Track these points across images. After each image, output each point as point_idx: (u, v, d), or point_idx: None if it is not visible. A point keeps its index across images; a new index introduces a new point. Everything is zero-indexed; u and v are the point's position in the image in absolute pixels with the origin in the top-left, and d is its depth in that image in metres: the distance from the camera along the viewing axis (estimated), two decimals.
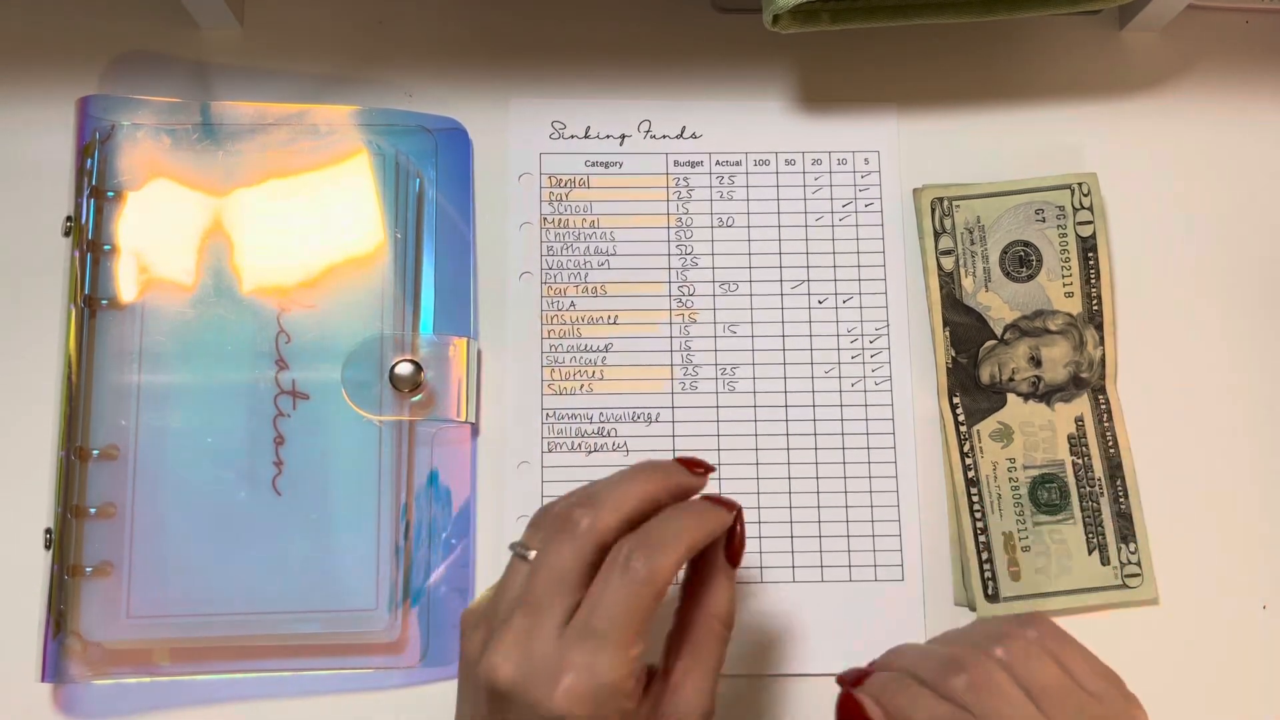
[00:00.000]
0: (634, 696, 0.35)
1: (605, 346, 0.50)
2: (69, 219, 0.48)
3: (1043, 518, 0.48)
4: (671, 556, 0.35)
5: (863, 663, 0.48)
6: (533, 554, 0.36)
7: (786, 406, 0.49)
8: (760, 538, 0.48)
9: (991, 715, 0.34)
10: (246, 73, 0.51)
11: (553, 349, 0.50)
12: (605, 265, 0.50)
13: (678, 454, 0.49)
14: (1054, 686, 0.35)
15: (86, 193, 0.48)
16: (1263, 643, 0.48)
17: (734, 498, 0.48)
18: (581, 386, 0.49)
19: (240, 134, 0.49)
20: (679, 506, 0.38)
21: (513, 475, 0.49)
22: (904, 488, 0.49)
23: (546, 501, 0.39)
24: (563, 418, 0.49)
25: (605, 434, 0.49)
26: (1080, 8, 0.49)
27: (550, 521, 0.37)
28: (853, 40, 0.52)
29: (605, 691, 0.34)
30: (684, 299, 0.50)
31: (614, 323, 0.50)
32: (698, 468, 0.39)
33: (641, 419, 0.49)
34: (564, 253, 0.50)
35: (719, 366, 0.50)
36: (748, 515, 0.48)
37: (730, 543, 0.39)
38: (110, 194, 0.48)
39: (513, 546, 0.37)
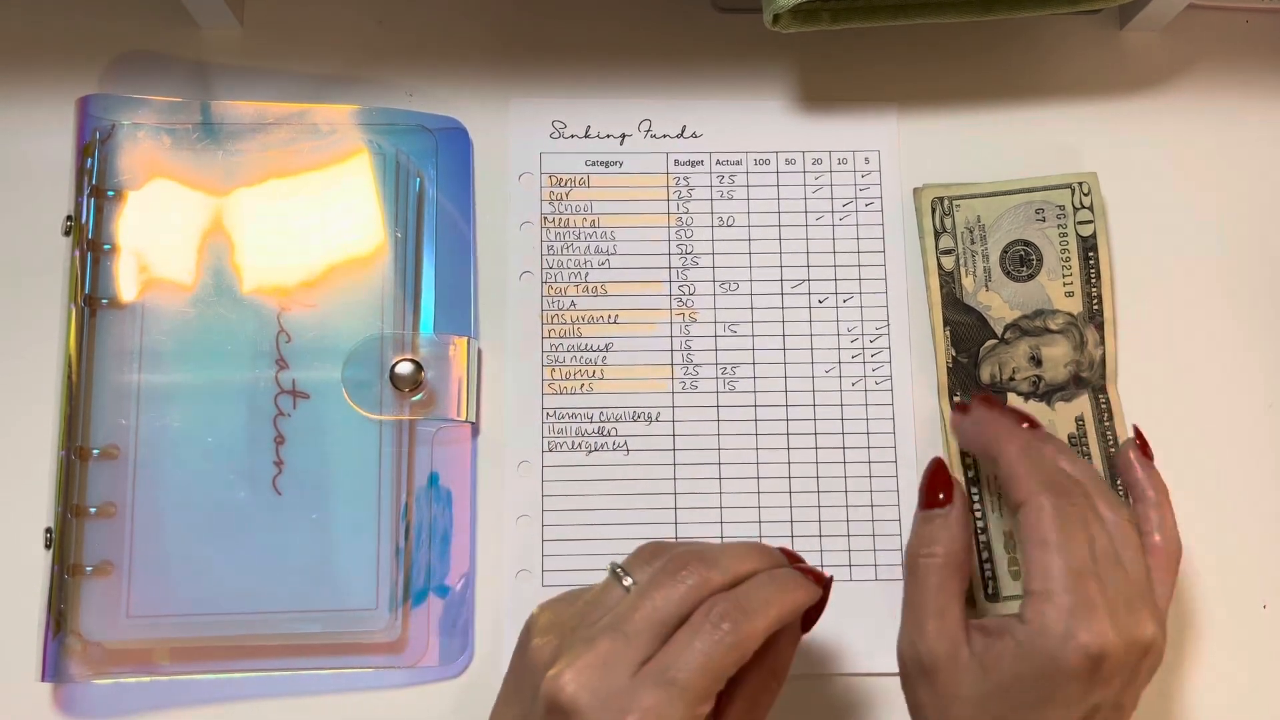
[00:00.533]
0: None
1: (605, 346, 0.50)
2: (69, 218, 0.48)
3: None
4: (761, 623, 0.36)
5: (862, 663, 0.48)
6: (629, 581, 0.37)
7: (787, 406, 0.49)
8: (761, 537, 0.48)
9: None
10: (246, 72, 0.51)
11: (553, 348, 0.50)
12: (605, 265, 0.50)
13: (680, 461, 0.49)
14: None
15: (86, 192, 0.48)
16: (1263, 643, 0.48)
17: (735, 496, 0.48)
18: (582, 386, 0.49)
19: (240, 133, 0.49)
20: (776, 574, 0.38)
21: (513, 474, 0.49)
22: (904, 487, 0.49)
23: (657, 539, 0.40)
24: (563, 417, 0.49)
25: (605, 433, 0.49)
26: (1080, 8, 0.49)
27: (664, 563, 0.37)
28: (853, 40, 0.52)
29: None
30: (684, 298, 0.50)
31: (614, 322, 0.50)
32: (819, 580, 0.39)
33: (642, 418, 0.49)
34: (564, 252, 0.50)
35: (719, 366, 0.50)
36: (748, 515, 0.48)
37: (812, 609, 0.39)
38: (110, 193, 0.48)
39: (614, 568, 0.38)
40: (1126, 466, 0.44)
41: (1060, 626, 0.38)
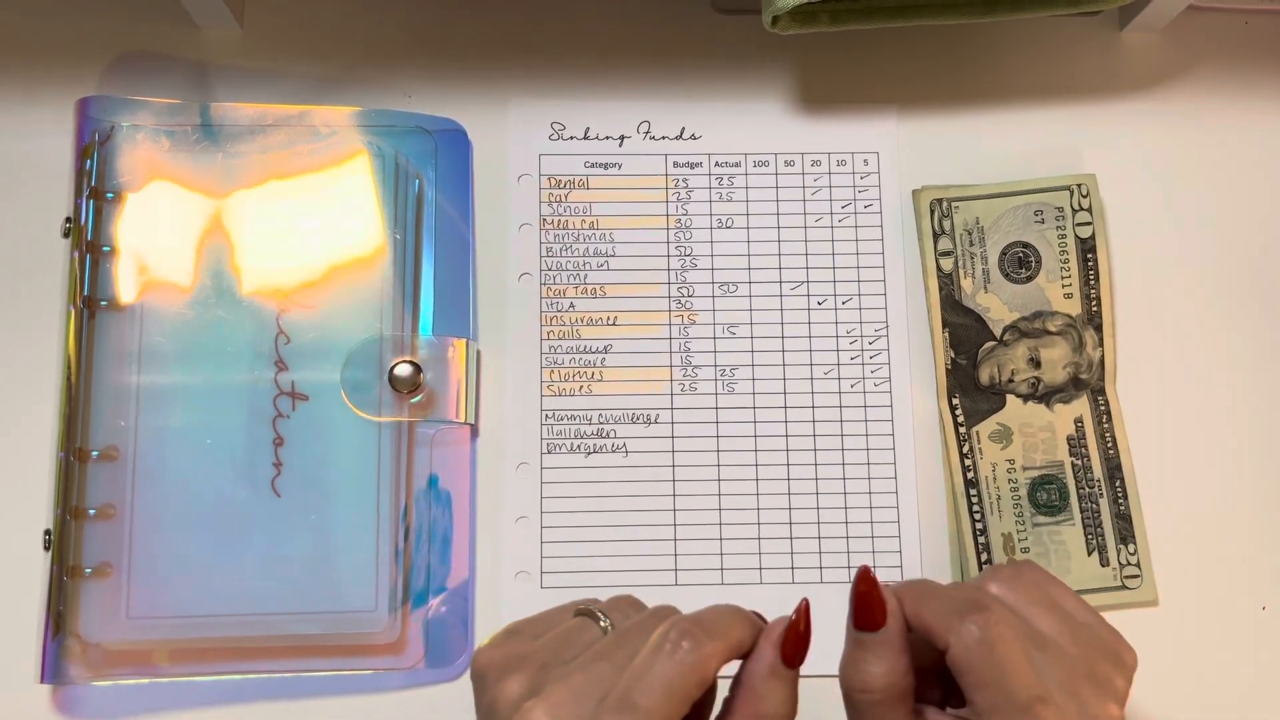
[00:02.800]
0: None
1: (605, 348, 0.50)
2: (68, 220, 0.48)
3: (1042, 519, 0.48)
4: (720, 644, 0.34)
5: None
6: (606, 623, 0.36)
7: (786, 408, 0.49)
8: (760, 538, 0.48)
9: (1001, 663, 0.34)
10: (246, 73, 0.51)
11: (552, 350, 0.50)
12: (604, 266, 0.50)
13: (679, 463, 0.49)
14: (1053, 630, 0.36)
15: (86, 194, 0.48)
16: (1263, 643, 0.48)
17: (735, 498, 0.48)
18: (581, 388, 0.49)
19: (240, 135, 0.49)
20: (739, 606, 0.36)
21: (512, 476, 0.49)
22: (903, 489, 0.49)
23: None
24: (562, 419, 0.49)
25: (604, 435, 0.49)
26: (1080, 8, 0.49)
27: (638, 611, 0.37)
28: (852, 41, 0.52)
29: None
30: (683, 300, 0.50)
31: (613, 324, 0.50)
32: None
33: (641, 420, 0.49)
34: (563, 254, 0.50)
35: (718, 368, 0.50)
36: (747, 517, 0.48)
37: (787, 638, 0.35)
38: (110, 195, 0.48)
39: (587, 611, 0.36)
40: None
41: None
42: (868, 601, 0.36)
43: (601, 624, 0.36)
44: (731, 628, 0.34)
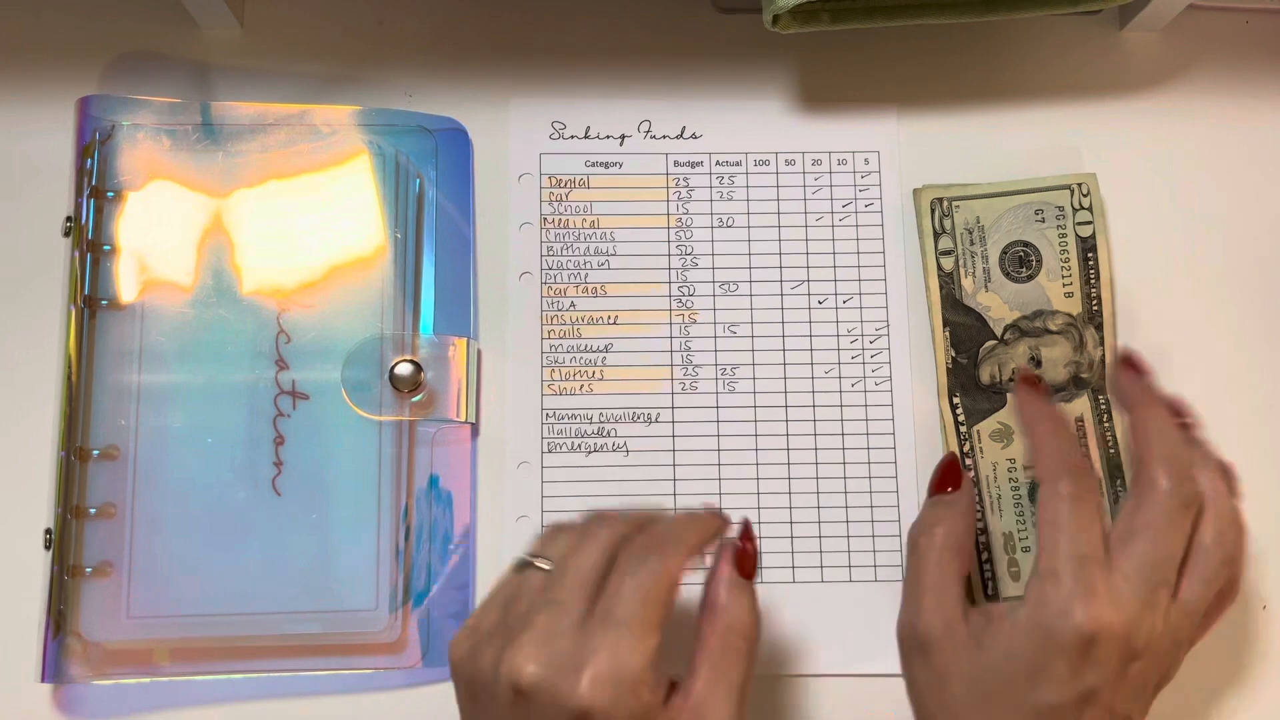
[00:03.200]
0: (655, 691, 0.35)
1: (605, 347, 0.50)
2: (69, 219, 0.48)
3: None
4: (681, 551, 0.37)
5: (863, 664, 0.48)
6: (543, 563, 0.38)
7: (786, 407, 0.49)
8: (761, 538, 0.48)
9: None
10: (246, 73, 0.51)
11: (553, 349, 0.50)
12: (605, 265, 0.50)
13: (679, 462, 0.49)
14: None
15: (86, 193, 0.48)
16: (1263, 643, 0.48)
17: (735, 497, 0.48)
18: (581, 387, 0.49)
19: (240, 134, 0.49)
20: (679, 514, 0.40)
21: (513, 475, 0.49)
22: (904, 488, 0.49)
23: (559, 520, 0.42)
24: (563, 418, 0.49)
25: (605, 434, 0.49)
26: (1080, 8, 0.49)
27: (567, 534, 0.39)
28: (853, 40, 0.52)
29: (627, 678, 0.34)
30: (684, 299, 0.50)
31: (614, 323, 0.50)
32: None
33: (641, 419, 0.49)
34: (564, 253, 0.50)
35: (719, 367, 0.50)
36: (747, 515, 0.48)
37: (739, 555, 0.39)
38: (110, 194, 0.48)
39: (523, 562, 0.38)
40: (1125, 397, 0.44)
41: (1058, 604, 0.38)
42: (950, 472, 0.44)
43: (541, 566, 0.38)
44: (687, 532, 0.39)
